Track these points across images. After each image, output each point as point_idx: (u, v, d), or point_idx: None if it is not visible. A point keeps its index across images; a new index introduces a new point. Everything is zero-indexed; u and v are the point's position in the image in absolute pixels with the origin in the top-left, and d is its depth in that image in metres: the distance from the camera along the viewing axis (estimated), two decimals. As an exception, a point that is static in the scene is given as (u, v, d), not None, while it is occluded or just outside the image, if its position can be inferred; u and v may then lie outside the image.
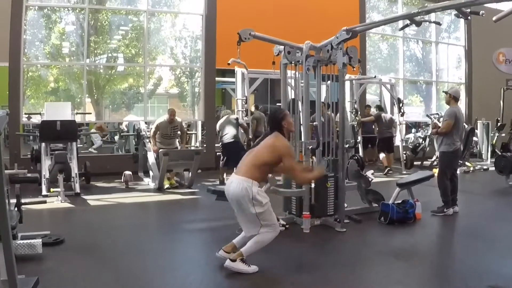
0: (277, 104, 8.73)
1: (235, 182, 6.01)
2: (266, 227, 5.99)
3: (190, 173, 12.32)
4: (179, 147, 12.94)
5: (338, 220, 8.02)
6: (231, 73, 15.09)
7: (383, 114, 15.75)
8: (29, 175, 7.68)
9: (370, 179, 9.29)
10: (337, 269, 6.20)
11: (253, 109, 15.57)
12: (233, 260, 5.95)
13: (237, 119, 12.98)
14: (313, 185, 7.98)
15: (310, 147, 8.04)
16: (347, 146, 8.48)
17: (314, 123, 8.39)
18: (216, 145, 15.49)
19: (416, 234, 8.22)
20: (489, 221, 9.17)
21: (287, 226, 7.85)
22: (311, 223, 7.90)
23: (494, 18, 5.19)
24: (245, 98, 13.84)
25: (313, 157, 8.63)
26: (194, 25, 17.19)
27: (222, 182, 12.51)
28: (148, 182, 12.86)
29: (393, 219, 8.40)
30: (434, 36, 22.32)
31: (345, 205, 8.50)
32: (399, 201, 8.81)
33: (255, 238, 6.04)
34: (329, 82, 8.83)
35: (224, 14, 16.17)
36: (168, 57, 17.68)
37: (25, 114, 14.42)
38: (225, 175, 12.73)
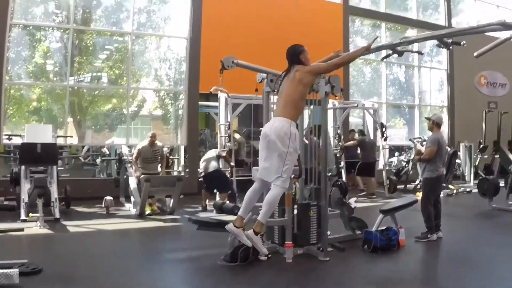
0: (260, 128, 8.77)
1: (278, 121, 6.76)
2: (281, 179, 6.67)
3: (172, 199, 12.15)
4: (160, 172, 12.82)
5: (321, 249, 7.93)
6: (215, 97, 15.05)
7: (366, 139, 15.78)
8: (6, 202, 7.59)
9: (353, 207, 9.23)
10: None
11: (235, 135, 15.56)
12: (256, 233, 6.71)
13: (218, 154, 12.98)
14: (295, 213, 7.94)
15: (292, 176, 7.97)
16: (329, 174, 8.43)
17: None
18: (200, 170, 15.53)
19: (400, 262, 8.18)
20: (473, 246, 9.14)
21: (269, 255, 7.72)
22: (294, 252, 7.77)
23: (475, 54, 5.21)
24: (228, 123, 13.77)
25: (296, 183, 8.59)
26: (179, 47, 17.15)
27: (205, 208, 12.45)
28: (130, 207, 12.68)
29: (376, 247, 8.31)
30: (416, 60, 22.51)
31: (328, 232, 8.42)
32: (383, 228, 8.74)
33: (265, 200, 6.77)
34: (312, 107, 8.78)
35: (209, 38, 16.22)
36: (152, 79, 17.63)
37: (5, 135, 14.27)
38: (207, 201, 12.66)
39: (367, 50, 7.36)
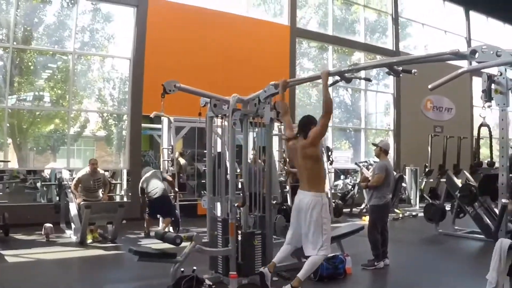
0: (205, 151, 8.69)
1: (308, 196, 6.86)
2: (324, 247, 6.80)
3: (113, 226, 11.79)
4: (101, 198, 12.50)
5: (266, 279, 7.74)
6: (159, 119, 14.74)
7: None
8: None
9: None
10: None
11: (177, 155, 15.34)
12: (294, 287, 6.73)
13: (161, 173, 12.73)
14: (239, 243, 7.75)
15: (236, 204, 7.77)
16: (274, 202, 8.28)
17: (241, 179, 8.12)
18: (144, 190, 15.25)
19: (346, 291, 8.07)
20: (420, 273, 9.10)
21: (213, 286, 7.50)
22: (238, 283, 7.59)
23: (429, 87, 5.12)
24: (171, 147, 13.49)
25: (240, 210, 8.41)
26: (123, 67, 16.86)
27: (147, 235, 12.16)
28: (70, 234, 12.25)
29: (322, 275, 8.18)
30: (363, 84, 22.57)
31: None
32: (330, 255, 8.60)
33: (310, 260, 6.86)
34: (257, 129, 8.61)
35: (153, 59, 15.94)
36: (95, 100, 17.24)
37: None
38: (150, 228, 12.40)
39: (328, 74, 7.22)
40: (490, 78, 4.91)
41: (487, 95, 4.92)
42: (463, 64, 5.49)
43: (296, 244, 7.22)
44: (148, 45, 16.15)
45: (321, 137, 7.21)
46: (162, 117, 13.71)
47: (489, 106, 5.06)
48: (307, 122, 7.12)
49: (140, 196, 12.88)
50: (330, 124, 19.84)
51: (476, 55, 5.02)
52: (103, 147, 18.57)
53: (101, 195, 12.55)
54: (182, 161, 15.58)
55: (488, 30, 28.22)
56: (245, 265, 7.82)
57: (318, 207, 6.77)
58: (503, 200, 4.80)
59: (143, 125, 16.56)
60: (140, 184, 12.72)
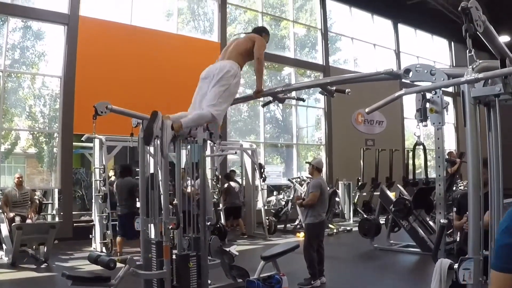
0: (137, 169, 8.58)
1: (226, 61, 7.09)
2: (217, 106, 6.80)
3: (45, 247, 11.48)
4: (29, 216, 12.23)
5: (201, 301, 7.64)
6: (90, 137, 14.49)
7: (232, 184, 15.87)
8: None
9: (233, 255, 8.99)
10: None
11: (111, 173, 15.11)
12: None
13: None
14: (174, 265, 7.64)
15: (170, 227, 7.65)
16: (208, 223, 8.18)
17: (174, 201, 8.00)
18: (74, 213, 14.99)
19: (283, 312, 8.02)
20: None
21: (148, 310, 7.39)
22: (173, 306, 7.44)
23: (366, 110, 5.11)
24: (103, 167, 13.22)
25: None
26: (53, 84, 16.59)
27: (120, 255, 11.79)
28: (2, 256, 11.92)
29: (259, 297, 8.08)
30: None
31: (209, 281, 8.14)
32: (265, 275, 8.55)
33: (196, 112, 6.99)
34: (189, 146, 8.50)
35: (84, 76, 15.68)
36: (26, 117, 16.85)
37: None
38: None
39: (260, 93, 7.20)
40: (425, 98, 4.92)
41: (422, 114, 4.92)
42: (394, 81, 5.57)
43: None
44: (79, 63, 15.93)
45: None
46: (94, 138, 13.48)
47: (424, 126, 5.06)
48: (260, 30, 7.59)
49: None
50: (261, 140, 19.94)
51: (410, 74, 5.05)
52: (34, 164, 18.28)
53: (29, 211, 12.43)
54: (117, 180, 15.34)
55: (417, 42, 28.84)
56: (180, 288, 7.71)
57: (231, 72, 6.90)
58: (441, 221, 4.80)
59: (74, 144, 16.22)
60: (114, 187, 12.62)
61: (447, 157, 15.95)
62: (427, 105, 4.93)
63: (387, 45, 27.20)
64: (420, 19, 27.07)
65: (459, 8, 4.03)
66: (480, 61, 4.64)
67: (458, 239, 6.26)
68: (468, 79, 4.34)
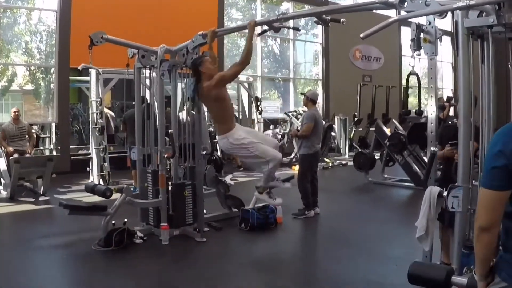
0: (133, 102, 8.62)
1: (221, 142, 7.11)
2: (268, 162, 6.82)
3: (43, 180, 11.54)
4: (28, 151, 12.30)
5: (197, 229, 7.79)
6: (87, 71, 14.35)
7: None
8: None
9: (229, 184, 9.10)
10: (199, 285, 5.92)
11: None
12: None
13: None
14: (170, 194, 7.75)
15: (166, 156, 7.75)
16: (204, 152, 8.26)
17: (170, 130, 8.05)
18: (71, 147, 15.13)
19: (278, 241, 8.21)
20: (351, 221, 9.28)
21: (145, 238, 7.51)
22: (170, 234, 7.58)
23: (361, 35, 5.11)
24: (99, 99, 13.19)
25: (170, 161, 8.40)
26: (50, 20, 16.37)
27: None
28: (0, 190, 11.91)
29: (254, 225, 8.26)
30: (291, 33, 22.40)
31: (205, 211, 8.27)
32: (260, 205, 8.67)
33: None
34: (185, 80, 8.50)
35: (80, 10, 15.41)
36: (22, 53, 16.79)
37: None
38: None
39: (255, 25, 7.09)
40: (419, 28, 4.93)
41: (416, 44, 4.92)
42: (392, 13, 5.50)
43: None
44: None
45: (227, 83, 7.22)
46: (90, 69, 13.38)
47: (418, 55, 5.07)
48: (196, 64, 7.07)
49: None
50: (258, 74, 19.87)
51: (405, 4, 5.03)
52: (31, 101, 18.28)
53: (27, 145, 12.46)
54: (110, 113, 15.35)
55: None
56: (176, 216, 7.85)
57: (230, 146, 6.96)
58: (432, 148, 4.85)
59: (71, 77, 16.12)
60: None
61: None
62: (421, 35, 4.94)
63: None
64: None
65: None
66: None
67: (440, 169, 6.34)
68: (460, 6, 4.34)
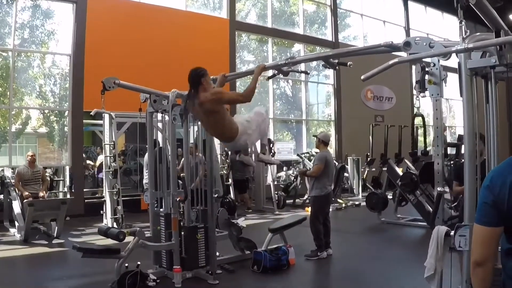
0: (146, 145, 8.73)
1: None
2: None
3: (57, 223, 11.58)
4: (41, 194, 12.38)
5: (210, 272, 7.82)
6: (100, 115, 14.53)
7: (237, 157, 15.97)
8: None
9: (241, 227, 9.13)
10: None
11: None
12: None
13: None
14: (183, 237, 7.80)
15: (178, 199, 7.81)
16: (216, 195, 8.33)
17: (182, 174, 8.14)
18: (85, 190, 15.20)
19: (291, 283, 8.22)
20: (363, 262, 9.26)
21: (158, 280, 7.55)
22: (182, 277, 7.62)
23: (362, 77, 5.21)
24: (113, 143, 13.31)
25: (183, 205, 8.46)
26: (63, 63, 16.64)
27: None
28: (14, 233, 12.04)
29: (266, 267, 8.27)
30: (303, 75, 22.44)
31: (217, 253, 8.31)
32: (273, 247, 8.70)
33: None
34: (199, 122, 8.58)
35: (93, 54, 15.66)
36: (36, 96, 16.98)
37: None
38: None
39: (264, 69, 7.05)
40: (424, 69, 5.02)
41: (421, 86, 5.02)
42: (403, 53, 5.58)
43: None
44: (88, 41, 15.89)
45: (221, 102, 6.58)
46: (103, 114, 13.53)
47: (423, 97, 5.16)
48: (199, 75, 6.58)
49: None
50: (271, 116, 19.95)
51: (410, 47, 5.13)
52: (45, 143, 18.36)
53: (41, 188, 12.55)
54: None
55: (427, 20, 28.64)
56: (188, 259, 7.87)
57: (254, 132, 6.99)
58: (439, 189, 4.91)
59: (84, 121, 16.33)
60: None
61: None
62: (426, 76, 5.02)
63: (396, 22, 27.04)
64: (430, -4, 26.98)
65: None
66: (477, 34, 4.76)
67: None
68: (459, 49, 4.45)
